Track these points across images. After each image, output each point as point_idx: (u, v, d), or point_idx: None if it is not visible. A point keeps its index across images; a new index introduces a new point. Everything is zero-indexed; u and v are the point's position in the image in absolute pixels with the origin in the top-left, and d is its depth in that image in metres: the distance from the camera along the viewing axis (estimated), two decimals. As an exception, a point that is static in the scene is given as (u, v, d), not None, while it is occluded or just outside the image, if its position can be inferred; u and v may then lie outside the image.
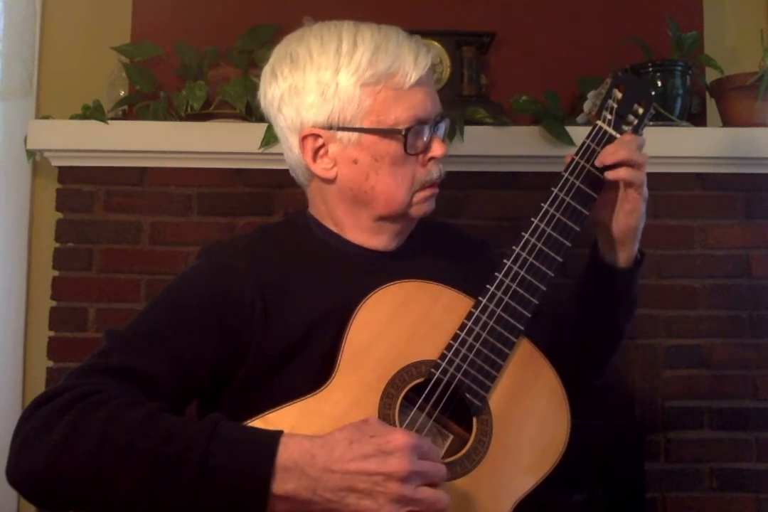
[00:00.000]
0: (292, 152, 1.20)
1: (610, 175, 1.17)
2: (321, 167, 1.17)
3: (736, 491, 2.01)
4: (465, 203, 2.05)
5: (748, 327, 2.06)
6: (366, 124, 1.14)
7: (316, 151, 1.16)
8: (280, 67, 1.17)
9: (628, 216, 1.19)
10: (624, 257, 1.22)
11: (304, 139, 1.16)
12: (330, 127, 1.14)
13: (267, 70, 1.20)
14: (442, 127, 1.20)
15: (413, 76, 1.13)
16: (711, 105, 2.17)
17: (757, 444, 2.03)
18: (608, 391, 1.95)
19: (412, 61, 1.13)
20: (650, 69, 2.06)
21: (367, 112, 1.13)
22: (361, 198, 1.17)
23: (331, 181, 1.18)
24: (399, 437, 0.89)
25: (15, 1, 2.17)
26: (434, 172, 1.19)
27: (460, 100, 2.05)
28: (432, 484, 0.91)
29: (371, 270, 1.16)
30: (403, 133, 1.13)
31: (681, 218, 2.08)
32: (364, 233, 1.21)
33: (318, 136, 1.15)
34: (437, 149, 1.17)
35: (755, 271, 2.07)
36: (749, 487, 2.01)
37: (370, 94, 1.13)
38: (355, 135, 1.14)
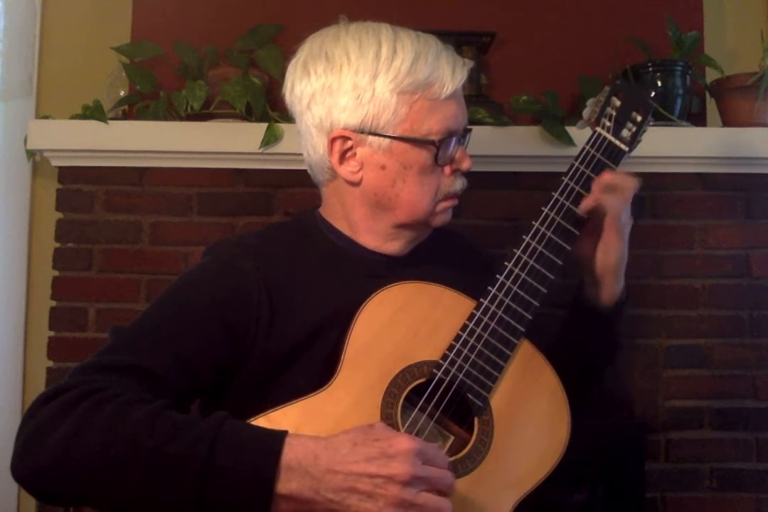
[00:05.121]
0: (315, 151, 1.19)
1: (581, 207, 1.18)
2: (347, 169, 1.17)
3: (736, 491, 2.01)
4: (465, 203, 2.03)
5: (748, 327, 2.06)
6: (399, 132, 1.14)
7: (343, 153, 1.16)
8: (313, 64, 1.16)
9: (605, 254, 1.20)
10: (605, 294, 1.23)
11: (333, 140, 1.15)
12: (362, 131, 1.14)
13: (297, 64, 1.19)
14: (467, 138, 1.21)
15: (449, 88, 1.13)
16: (711, 105, 2.17)
17: (757, 444, 2.03)
18: (608, 391, 1.96)
19: (449, 73, 1.13)
20: (650, 69, 2.06)
21: (401, 120, 1.13)
22: (384, 204, 1.18)
23: (355, 184, 1.18)
24: (403, 441, 0.90)
25: (15, 1, 2.17)
26: (458, 183, 1.20)
27: (461, 100, 2.05)
28: (439, 491, 0.91)
29: (378, 274, 1.16)
30: (437, 144, 1.14)
31: (681, 218, 2.08)
32: (379, 238, 1.21)
33: (348, 138, 1.15)
34: (465, 162, 1.19)
35: (755, 271, 2.07)
36: (749, 487, 2.01)
37: (406, 103, 1.13)
38: (386, 141, 1.14)
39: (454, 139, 1.16)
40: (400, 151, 1.15)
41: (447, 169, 1.18)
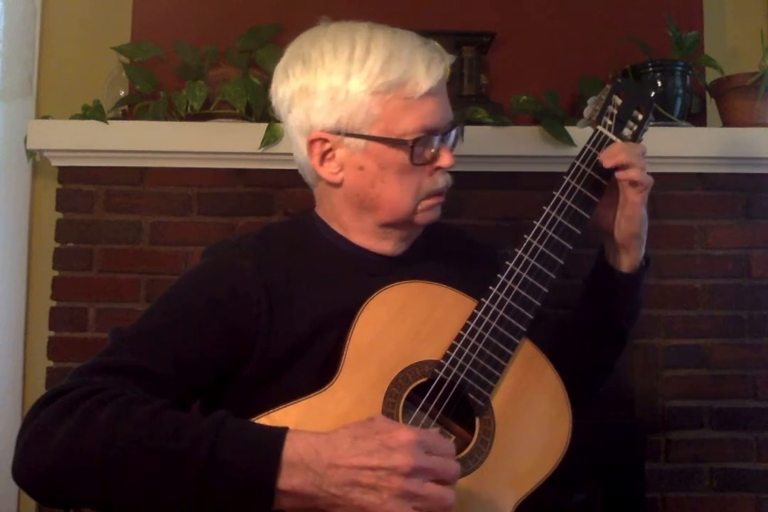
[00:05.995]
0: (300, 153, 1.20)
1: (620, 175, 1.17)
2: (327, 171, 1.17)
3: (736, 491, 2.02)
4: (465, 203, 2.05)
5: (748, 327, 2.06)
6: (374, 132, 1.13)
7: (323, 155, 1.16)
8: (292, 67, 1.16)
9: (628, 221, 1.20)
10: (627, 262, 1.23)
11: (312, 142, 1.16)
12: (338, 132, 1.14)
13: (279, 68, 1.19)
14: (452, 135, 1.19)
15: (424, 86, 1.12)
16: (711, 105, 2.17)
17: (757, 444, 2.03)
18: (608, 391, 1.95)
19: (424, 71, 1.12)
20: (650, 69, 2.06)
21: (375, 120, 1.12)
22: (367, 204, 1.18)
23: (337, 186, 1.18)
24: (403, 433, 0.89)
25: (15, 1, 2.17)
26: (440, 181, 1.18)
27: (460, 100, 2.05)
28: (443, 481, 0.90)
29: (377, 273, 1.16)
30: (410, 144, 1.13)
31: (681, 218, 2.08)
32: (371, 238, 1.21)
33: (326, 140, 1.15)
34: (445, 160, 1.17)
35: (755, 271, 2.08)
36: (749, 487, 2.02)
37: (379, 103, 1.12)
38: (362, 142, 1.13)
39: (434, 138, 1.15)
40: (376, 151, 1.14)
41: (428, 168, 1.17)
